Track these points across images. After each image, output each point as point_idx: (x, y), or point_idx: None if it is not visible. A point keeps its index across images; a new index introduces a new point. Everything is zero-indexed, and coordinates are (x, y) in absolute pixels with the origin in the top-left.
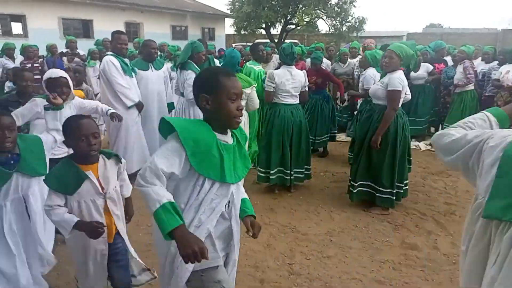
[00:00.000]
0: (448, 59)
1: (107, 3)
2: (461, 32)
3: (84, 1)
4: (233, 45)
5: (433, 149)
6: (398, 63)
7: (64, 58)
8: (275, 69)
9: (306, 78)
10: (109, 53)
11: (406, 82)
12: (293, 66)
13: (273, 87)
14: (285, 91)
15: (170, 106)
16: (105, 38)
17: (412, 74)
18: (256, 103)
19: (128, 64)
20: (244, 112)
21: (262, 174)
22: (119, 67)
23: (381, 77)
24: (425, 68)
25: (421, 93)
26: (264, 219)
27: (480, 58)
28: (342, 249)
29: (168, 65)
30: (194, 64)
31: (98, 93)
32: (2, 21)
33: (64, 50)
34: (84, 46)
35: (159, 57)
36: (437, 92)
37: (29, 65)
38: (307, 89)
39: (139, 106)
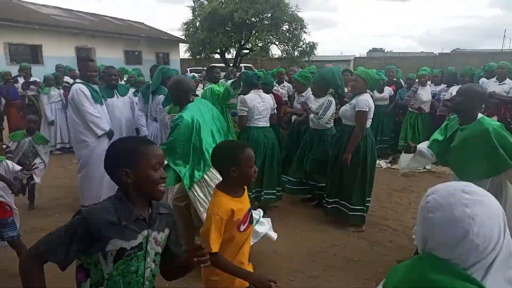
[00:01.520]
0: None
1: (56, 28)
2: (402, 56)
3: (32, 26)
4: (188, 69)
5: (393, 167)
6: (364, 86)
7: (18, 85)
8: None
9: (274, 102)
10: (78, 80)
11: (372, 104)
12: (261, 90)
13: (246, 111)
14: (258, 114)
15: (136, 132)
16: (59, 64)
17: (377, 95)
18: None
19: (98, 92)
20: None
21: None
22: (89, 95)
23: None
24: (388, 90)
25: (385, 113)
26: None
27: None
28: (325, 268)
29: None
30: (166, 89)
31: (52, 120)
32: None
33: (19, 78)
34: (33, 73)
35: (122, 83)
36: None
37: None
38: (275, 111)
39: (109, 134)
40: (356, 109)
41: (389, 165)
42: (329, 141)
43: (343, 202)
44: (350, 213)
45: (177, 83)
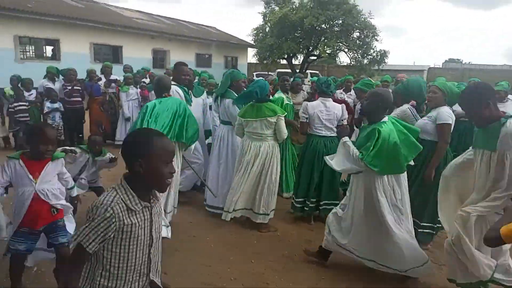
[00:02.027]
0: None
1: (137, 31)
2: (482, 69)
3: (115, 28)
4: (254, 73)
5: None
6: (443, 99)
7: (101, 83)
8: (305, 100)
9: (345, 111)
10: (173, 83)
11: (454, 117)
12: (330, 99)
13: (306, 118)
14: (318, 122)
15: (207, 133)
16: (126, 65)
17: (459, 110)
18: (283, 133)
19: (189, 94)
20: (271, 142)
21: (298, 205)
22: (183, 97)
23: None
24: None
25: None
26: (301, 251)
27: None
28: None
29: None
30: (234, 92)
31: (129, 116)
32: (36, 44)
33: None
34: (113, 71)
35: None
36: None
37: (69, 87)
38: (345, 122)
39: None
40: (438, 122)
41: None
42: None
43: (414, 219)
44: (419, 230)
45: (158, 79)
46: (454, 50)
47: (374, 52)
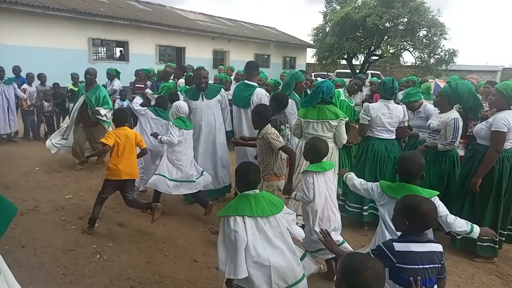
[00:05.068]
0: None
1: (198, 32)
2: None
3: (179, 30)
4: (313, 74)
5: None
6: (504, 102)
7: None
8: (363, 101)
9: (406, 114)
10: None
11: None
12: (392, 101)
13: (368, 120)
14: (380, 125)
15: (229, 134)
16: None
17: None
18: (342, 137)
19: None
20: (330, 145)
21: (353, 210)
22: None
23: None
24: None
25: None
26: None
27: None
28: None
29: (224, 92)
30: (295, 93)
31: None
32: (107, 47)
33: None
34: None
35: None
36: None
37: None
38: (406, 124)
39: None
40: (492, 129)
41: None
42: (448, 162)
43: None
44: (478, 242)
45: None
46: None
47: (442, 51)
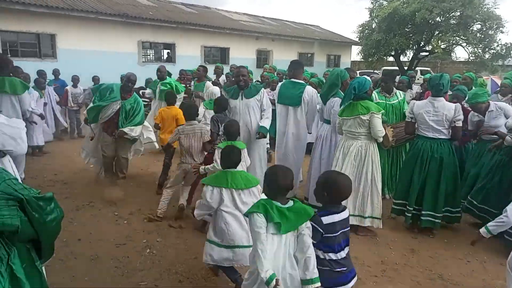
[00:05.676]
0: None
1: (242, 33)
2: None
3: (223, 31)
4: (358, 72)
5: None
6: None
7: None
8: (413, 98)
9: (460, 111)
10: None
11: None
12: (441, 98)
13: (411, 118)
14: (424, 123)
15: (266, 131)
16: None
17: None
18: (377, 130)
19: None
20: (365, 141)
21: (397, 207)
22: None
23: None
24: None
25: None
26: (405, 260)
27: None
28: None
29: (265, 90)
30: (341, 91)
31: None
32: (155, 49)
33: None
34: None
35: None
36: None
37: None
38: (459, 124)
39: None
40: None
41: None
42: None
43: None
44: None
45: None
46: None
47: (498, 45)
